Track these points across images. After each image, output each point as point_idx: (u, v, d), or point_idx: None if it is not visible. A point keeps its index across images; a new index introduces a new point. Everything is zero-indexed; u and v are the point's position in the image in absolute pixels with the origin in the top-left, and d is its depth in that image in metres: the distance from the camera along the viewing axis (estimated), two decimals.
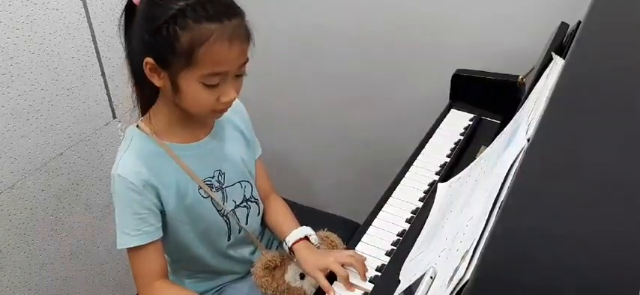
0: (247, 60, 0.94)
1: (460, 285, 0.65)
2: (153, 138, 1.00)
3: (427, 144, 1.32)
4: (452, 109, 1.43)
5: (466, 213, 0.86)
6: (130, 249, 1.00)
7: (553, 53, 1.09)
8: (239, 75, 0.96)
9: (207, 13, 0.87)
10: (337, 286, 1.00)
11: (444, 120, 1.39)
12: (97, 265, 1.60)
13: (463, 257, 0.69)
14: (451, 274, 0.71)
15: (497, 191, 0.75)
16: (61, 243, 1.47)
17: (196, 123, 1.05)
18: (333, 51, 1.69)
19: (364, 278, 0.98)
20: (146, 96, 1.01)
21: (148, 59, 0.91)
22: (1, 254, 1.33)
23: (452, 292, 0.66)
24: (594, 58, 0.98)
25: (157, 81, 0.93)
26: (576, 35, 1.06)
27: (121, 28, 0.96)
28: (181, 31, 0.87)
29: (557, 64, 1.03)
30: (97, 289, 1.61)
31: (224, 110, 0.98)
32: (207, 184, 1.05)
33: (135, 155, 0.99)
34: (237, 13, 0.91)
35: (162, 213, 1.02)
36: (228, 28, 0.89)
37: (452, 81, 1.43)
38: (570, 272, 0.59)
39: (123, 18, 0.95)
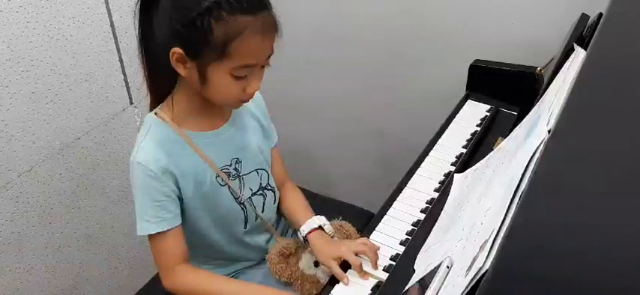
0: (273, 51, 0.94)
1: (479, 275, 0.65)
2: (171, 126, 1.00)
3: (443, 135, 1.31)
4: (469, 100, 1.42)
5: (484, 203, 0.85)
6: (150, 236, 1.01)
7: (575, 44, 1.08)
8: (263, 66, 0.96)
9: (241, 5, 0.87)
10: (351, 274, 1.00)
11: (461, 110, 1.39)
12: (112, 249, 1.61)
13: (482, 247, 0.69)
14: (469, 264, 0.71)
15: (518, 181, 0.74)
16: (77, 227, 1.49)
17: (215, 111, 1.05)
18: (349, 40, 1.69)
19: (376, 266, 0.99)
20: (163, 85, 1.01)
21: (176, 49, 0.90)
22: (19, 236, 1.35)
23: (470, 282, 0.66)
24: (617, 49, 0.96)
25: (182, 71, 0.93)
26: (599, 26, 1.04)
27: (135, 15, 0.95)
28: (216, 23, 0.87)
29: (579, 55, 1.02)
30: (112, 272, 1.63)
31: (247, 100, 0.99)
32: (224, 172, 1.06)
33: (154, 142, 0.99)
34: (267, 5, 0.91)
35: (180, 200, 1.03)
36: (260, 21, 0.89)
37: (469, 71, 1.42)
38: (591, 263, 0.58)
39: (139, 5, 0.94)
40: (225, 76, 0.92)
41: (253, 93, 0.97)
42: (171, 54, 0.91)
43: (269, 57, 0.95)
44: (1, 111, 1.23)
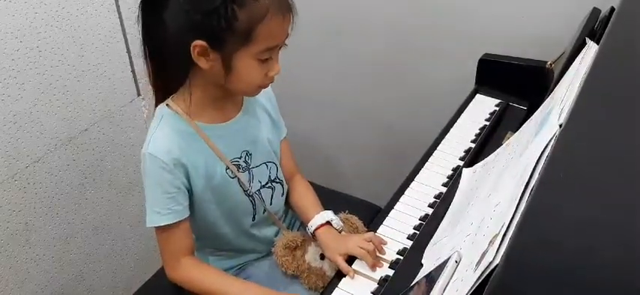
0: (289, 32, 0.95)
1: (489, 270, 0.64)
2: (183, 118, 1.00)
3: (452, 129, 1.31)
4: (478, 94, 1.41)
5: (493, 198, 0.85)
6: (158, 227, 1.01)
7: (587, 38, 1.07)
8: (280, 48, 0.96)
9: None
10: (358, 265, 1.00)
11: (470, 104, 1.38)
12: (119, 240, 1.62)
13: (492, 242, 0.69)
14: (478, 258, 0.70)
15: (528, 176, 0.74)
16: (85, 218, 1.49)
17: (227, 103, 1.05)
18: (358, 34, 1.68)
19: (373, 269, 0.99)
20: (173, 80, 1.00)
21: (198, 42, 0.89)
22: (27, 226, 1.35)
23: (480, 276, 0.65)
24: (629, 43, 0.96)
25: (204, 64, 0.92)
26: (611, 20, 1.03)
27: (138, 15, 0.94)
28: (239, 8, 0.87)
29: (591, 49, 1.01)
30: (119, 263, 1.64)
31: (268, 85, 1.00)
32: (234, 164, 1.05)
33: (165, 134, 0.99)
34: None
35: (190, 192, 1.02)
36: (278, 1, 0.90)
37: (478, 65, 1.41)
38: (601, 257, 0.58)
39: (141, 4, 0.93)
40: (250, 62, 0.92)
41: (274, 77, 0.97)
42: (192, 48, 0.90)
43: (287, 37, 0.95)
44: (9, 101, 1.24)
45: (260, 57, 0.92)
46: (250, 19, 0.87)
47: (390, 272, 0.97)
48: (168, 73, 0.99)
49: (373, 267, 0.99)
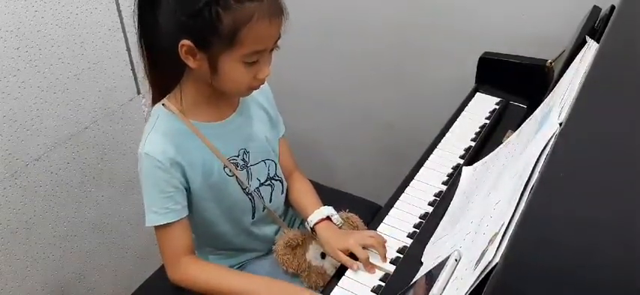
0: (280, 35, 0.94)
1: (488, 268, 0.64)
2: (179, 117, 1.00)
3: (452, 127, 1.31)
4: (478, 93, 1.41)
5: (493, 196, 0.85)
6: (157, 227, 1.01)
7: (587, 36, 1.07)
8: (272, 51, 0.96)
9: None
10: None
11: (470, 103, 1.38)
12: (119, 238, 1.62)
13: (491, 240, 0.69)
14: (478, 257, 0.70)
15: (528, 174, 0.74)
16: (85, 216, 1.50)
17: (223, 101, 1.05)
18: (358, 33, 1.68)
19: (384, 259, 0.98)
20: (169, 78, 1.00)
21: (185, 41, 0.89)
22: (27, 224, 1.36)
23: (480, 275, 0.65)
24: (629, 42, 0.96)
25: (191, 63, 0.93)
26: (611, 19, 1.03)
27: (134, 12, 0.94)
28: (224, 11, 0.87)
29: (591, 47, 1.01)
30: (119, 261, 1.64)
31: (258, 86, 0.99)
32: (232, 163, 1.06)
33: (161, 133, 0.99)
34: None
35: (188, 190, 1.03)
36: (267, 5, 0.89)
37: (478, 64, 1.41)
38: (601, 256, 0.58)
39: (137, 2, 0.93)
40: (236, 65, 0.92)
41: (264, 79, 0.97)
42: (180, 47, 0.90)
43: (277, 41, 0.95)
44: (9, 100, 1.24)
45: (246, 60, 0.92)
46: (235, 22, 0.87)
47: (390, 270, 0.97)
48: (162, 71, 0.99)
49: (371, 270, 0.98)
